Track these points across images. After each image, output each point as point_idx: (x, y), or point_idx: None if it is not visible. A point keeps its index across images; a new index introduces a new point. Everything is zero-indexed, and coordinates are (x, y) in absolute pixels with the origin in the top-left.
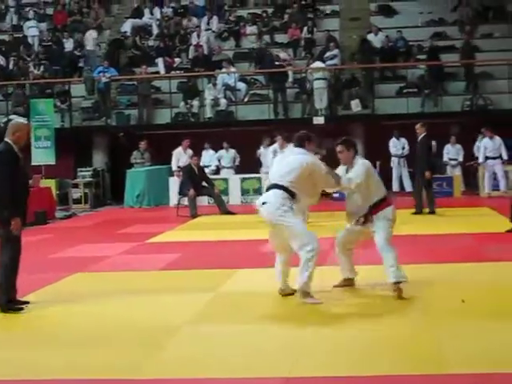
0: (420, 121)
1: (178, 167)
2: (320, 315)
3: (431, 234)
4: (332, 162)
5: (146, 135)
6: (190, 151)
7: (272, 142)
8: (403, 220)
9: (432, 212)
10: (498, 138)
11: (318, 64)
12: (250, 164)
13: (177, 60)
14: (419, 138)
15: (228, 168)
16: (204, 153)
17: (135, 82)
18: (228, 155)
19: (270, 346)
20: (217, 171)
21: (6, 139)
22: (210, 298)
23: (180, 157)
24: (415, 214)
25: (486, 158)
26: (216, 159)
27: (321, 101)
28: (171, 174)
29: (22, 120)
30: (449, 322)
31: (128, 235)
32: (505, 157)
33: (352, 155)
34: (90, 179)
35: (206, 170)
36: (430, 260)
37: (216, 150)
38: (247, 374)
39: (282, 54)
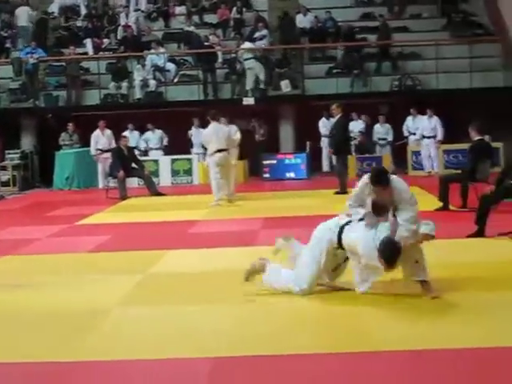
0: (349, 101)
1: (98, 149)
2: (252, 295)
3: None
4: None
5: (75, 117)
6: (108, 132)
7: (203, 123)
8: (334, 200)
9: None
10: (435, 118)
11: (247, 45)
12: (180, 145)
13: (105, 41)
14: (335, 118)
15: (156, 149)
16: (127, 134)
17: (63, 63)
18: (155, 136)
19: (199, 326)
20: (145, 153)
21: None
22: (140, 280)
23: (98, 139)
24: (337, 193)
25: (423, 137)
26: (143, 140)
27: (253, 82)
28: (94, 156)
29: None
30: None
31: (57, 217)
32: (439, 137)
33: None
34: (19, 161)
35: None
36: None
37: (140, 132)
38: (176, 354)
39: (212, 37)
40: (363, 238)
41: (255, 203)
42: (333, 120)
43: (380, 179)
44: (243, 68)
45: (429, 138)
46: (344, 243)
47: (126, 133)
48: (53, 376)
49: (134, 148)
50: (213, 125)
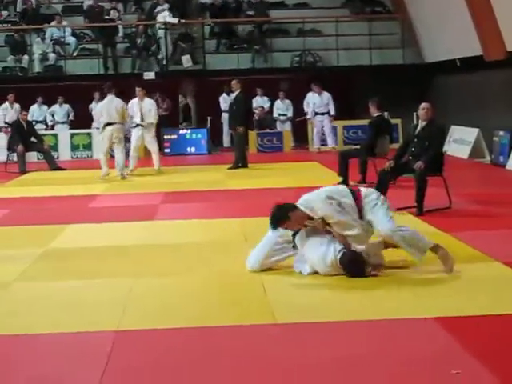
0: (250, 77)
1: (6, 123)
2: (149, 268)
3: (253, 188)
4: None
5: None
6: (16, 105)
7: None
8: (230, 175)
9: (245, 166)
10: (326, 94)
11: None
12: (80, 119)
13: (4, 13)
14: (235, 94)
15: (62, 123)
16: (35, 107)
17: None
18: (62, 110)
19: (98, 300)
20: (51, 127)
21: None
22: (40, 255)
23: (7, 112)
24: (230, 168)
25: (315, 113)
26: (49, 114)
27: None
28: (0, 129)
29: None
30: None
31: None
32: (332, 112)
33: None
34: None
35: (40, 126)
36: (250, 214)
37: (48, 105)
38: (76, 328)
39: (112, 11)
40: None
41: (155, 178)
42: (233, 95)
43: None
44: (144, 42)
45: (322, 114)
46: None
47: (34, 106)
48: None
49: (42, 122)
50: (106, 98)
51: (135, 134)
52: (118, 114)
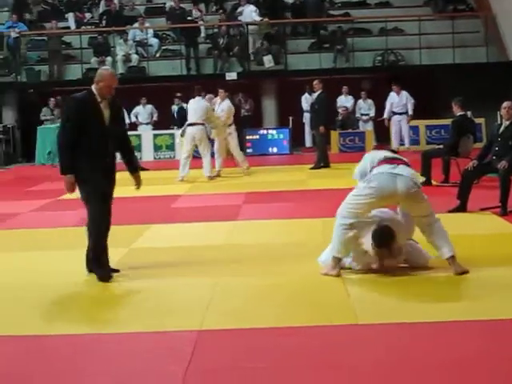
0: (331, 77)
1: None
2: (231, 268)
3: (336, 188)
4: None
5: (57, 92)
6: None
7: (186, 98)
8: (312, 175)
9: (327, 166)
10: (404, 94)
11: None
12: (163, 120)
13: (87, 15)
14: (316, 94)
15: (146, 124)
16: None
17: (45, 38)
18: (145, 111)
19: (181, 299)
20: (133, 127)
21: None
22: (125, 254)
23: None
24: (312, 168)
25: (393, 113)
26: (133, 115)
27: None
28: None
29: (107, 67)
30: (358, 274)
31: (39, 192)
32: (410, 112)
33: None
34: (0, 136)
35: None
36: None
37: (130, 107)
38: (161, 328)
39: (194, 11)
40: None
41: (238, 178)
42: (314, 95)
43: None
44: (226, 42)
45: (400, 114)
46: None
47: None
48: (29, 348)
49: None
50: (193, 100)
51: (188, 133)
52: (203, 114)
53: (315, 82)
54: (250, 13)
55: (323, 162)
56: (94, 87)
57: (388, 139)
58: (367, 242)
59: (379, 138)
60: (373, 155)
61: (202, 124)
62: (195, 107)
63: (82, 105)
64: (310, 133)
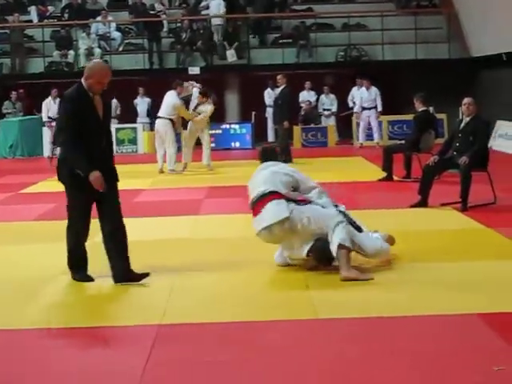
0: (294, 72)
1: (49, 117)
2: (188, 263)
3: None
4: None
5: (19, 85)
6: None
7: (148, 92)
8: None
9: (289, 161)
10: (374, 89)
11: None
12: (125, 114)
13: (50, 8)
14: (280, 88)
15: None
16: None
17: (7, 31)
18: None
19: (142, 294)
20: None
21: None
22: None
23: (50, 107)
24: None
25: (362, 108)
26: None
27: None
28: (44, 124)
29: (99, 61)
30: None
31: (0, 186)
32: (379, 108)
33: None
34: None
35: None
36: None
37: None
38: (123, 322)
39: (157, 5)
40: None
41: (200, 173)
42: (278, 90)
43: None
44: (188, 37)
45: (369, 109)
46: None
47: None
48: None
49: None
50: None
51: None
52: (171, 110)
53: (279, 77)
54: (217, 6)
55: (286, 157)
56: (83, 82)
57: (350, 134)
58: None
59: (341, 133)
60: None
61: (168, 118)
62: (167, 101)
63: (78, 103)
64: (273, 128)
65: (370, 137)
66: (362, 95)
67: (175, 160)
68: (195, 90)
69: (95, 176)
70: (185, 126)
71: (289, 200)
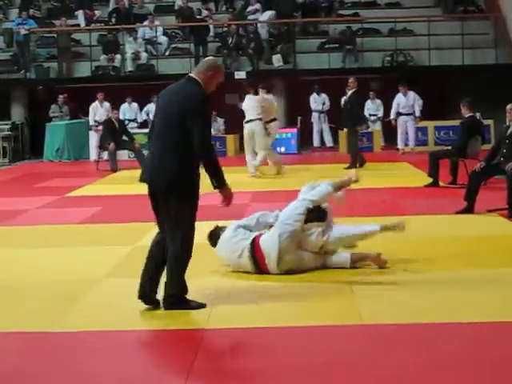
0: (340, 77)
1: (96, 121)
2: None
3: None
4: None
5: (66, 89)
6: (106, 104)
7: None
8: (320, 175)
9: (362, 165)
10: (412, 94)
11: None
12: None
13: (97, 12)
14: (350, 92)
15: None
16: (126, 106)
17: (55, 35)
18: None
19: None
20: (145, 125)
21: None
22: (129, 251)
23: (96, 111)
24: (348, 167)
25: (399, 113)
26: (144, 113)
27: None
28: (91, 127)
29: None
30: (365, 275)
31: (47, 189)
32: (418, 113)
33: None
34: (9, 133)
35: (131, 124)
36: (348, 214)
37: (140, 104)
38: (168, 325)
39: (203, 11)
40: None
41: (245, 177)
42: (347, 94)
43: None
44: (235, 41)
45: (406, 114)
46: None
47: (124, 105)
48: (34, 346)
49: (133, 120)
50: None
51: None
52: (258, 109)
53: (350, 80)
54: (268, 16)
55: (359, 162)
56: (199, 79)
57: (395, 140)
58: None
59: (387, 139)
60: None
61: (258, 118)
62: (250, 104)
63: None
64: (318, 133)
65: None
66: (399, 101)
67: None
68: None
69: (230, 191)
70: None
71: None
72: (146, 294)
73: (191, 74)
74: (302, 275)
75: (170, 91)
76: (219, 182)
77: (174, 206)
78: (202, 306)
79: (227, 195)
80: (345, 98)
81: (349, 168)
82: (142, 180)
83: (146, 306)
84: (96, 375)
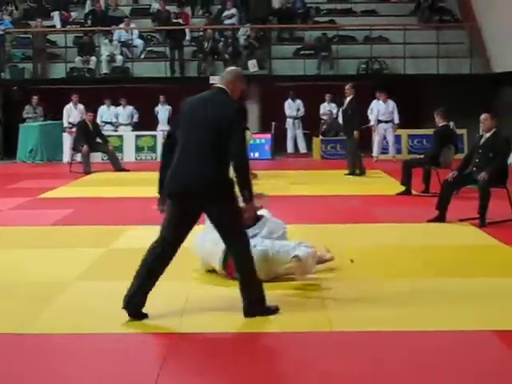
0: (315, 83)
1: (70, 123)
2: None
3: (317, 194)
4: None
5: (40, 90)
6: (81, 106)
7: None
8: (293, 181)
9: (362, 173)
10: (391, 102)
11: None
12: (145, 121)
13: (73, 14)
14: (348, 99)
15: (125, 125)
16: (104, 108)
17: (30, 36)
18: (125, 112)
19: (157, 301)
20: (116, 128)
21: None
22: (101, 254)
23: (70, 112)
24: (348, 174)
25: (379, 121)
26: (114, 116)
27: None
28: (65, 129)
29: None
30: (336, 282)
31: (19, 190)
32: (396, 121)
33: None
34: None
35: (109, 127)
36: (320, 221)
37: (116, 107)
38: (138, 329)
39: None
40: None
41: None
42: (346, 100)
43: None
44: (210, 46)
45: (386, 122)
46: None
47: (103, 107)
48: (6, 348)
49: (109, 123)
50: None
51: None
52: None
53: (347, 87)
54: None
55: (359, 170)
56: (227, 88)
57: (369, 147)
58: None
59: (360, 146)
60: None
61: None
62: None
63: None
64: (292, 139)
65: (385, 150)
66: (379, 108)
67: None
68: None
69: (253, 207)
70: None
71: None
72: (131, 304)
73: (219, 85)
74: (273, 283)
75: (202, 100)
76: (250, 193)
77: (225, 210)
78: (277, 310)
79: (251, 210)
80: (342, 107)
81: (349, 175)
82: (169, 193)
83: (122, 310)
84: (69, 378)
